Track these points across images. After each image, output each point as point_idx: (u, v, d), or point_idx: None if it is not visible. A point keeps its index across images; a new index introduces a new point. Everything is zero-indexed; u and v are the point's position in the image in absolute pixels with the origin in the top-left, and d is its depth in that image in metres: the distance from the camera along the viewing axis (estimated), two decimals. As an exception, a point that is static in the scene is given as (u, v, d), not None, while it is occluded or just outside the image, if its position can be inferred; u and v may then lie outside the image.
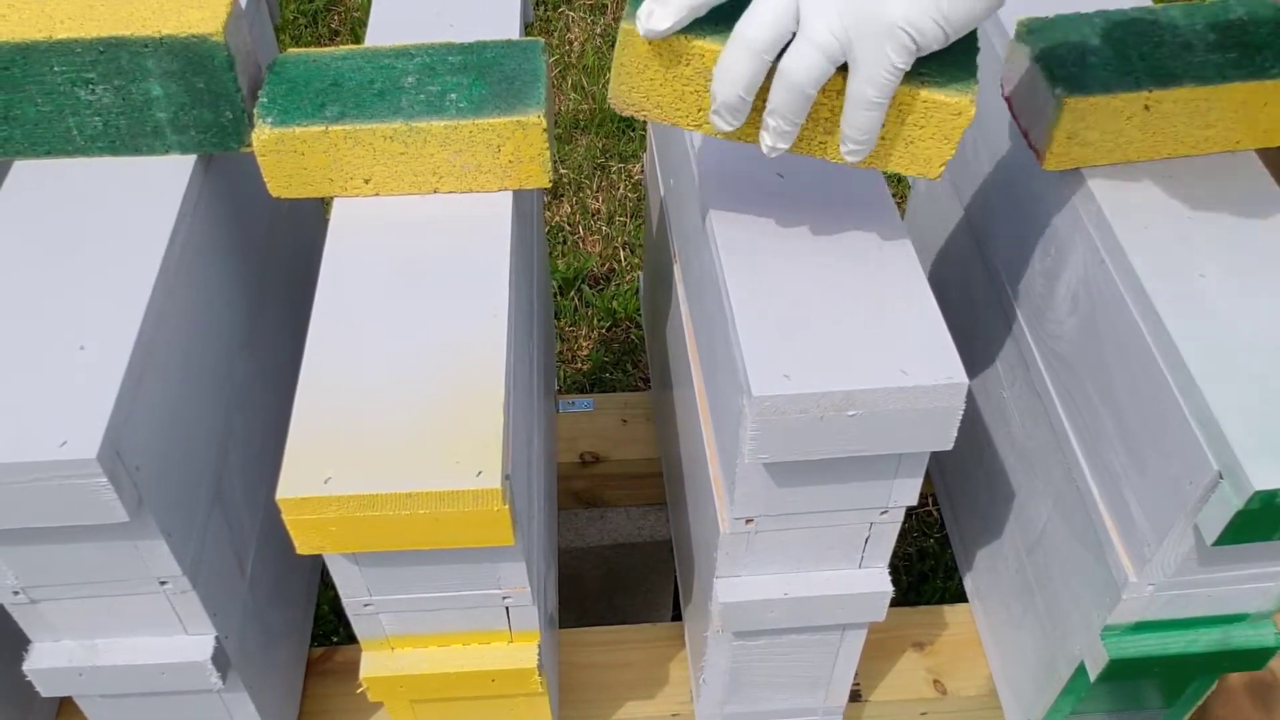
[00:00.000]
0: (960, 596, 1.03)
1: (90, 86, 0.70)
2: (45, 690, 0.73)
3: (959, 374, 0.62)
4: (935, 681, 0.96)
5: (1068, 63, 0.72)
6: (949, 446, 0.65)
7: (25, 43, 0.68)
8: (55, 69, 0.69)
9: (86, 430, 0.58)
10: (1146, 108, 0.71)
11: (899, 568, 1.50)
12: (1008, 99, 0.78)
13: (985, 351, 0.93)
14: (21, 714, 0.87)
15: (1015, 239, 0.86)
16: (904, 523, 0.81)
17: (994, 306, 0.91)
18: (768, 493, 0.69)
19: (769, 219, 0.71)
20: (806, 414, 0.62)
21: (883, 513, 0.71)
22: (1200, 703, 0.86)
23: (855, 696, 0.94)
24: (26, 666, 0.72)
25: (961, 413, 0.63)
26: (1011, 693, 0.92)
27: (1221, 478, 0.61)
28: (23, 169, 0.74)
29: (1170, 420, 0.65)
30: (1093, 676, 0.76)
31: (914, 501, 0.71)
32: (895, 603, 0.79)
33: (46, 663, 0.72)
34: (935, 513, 1.56)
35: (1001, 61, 0.79)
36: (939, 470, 1.08)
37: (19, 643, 0.72)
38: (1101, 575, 0.74)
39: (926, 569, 1.51)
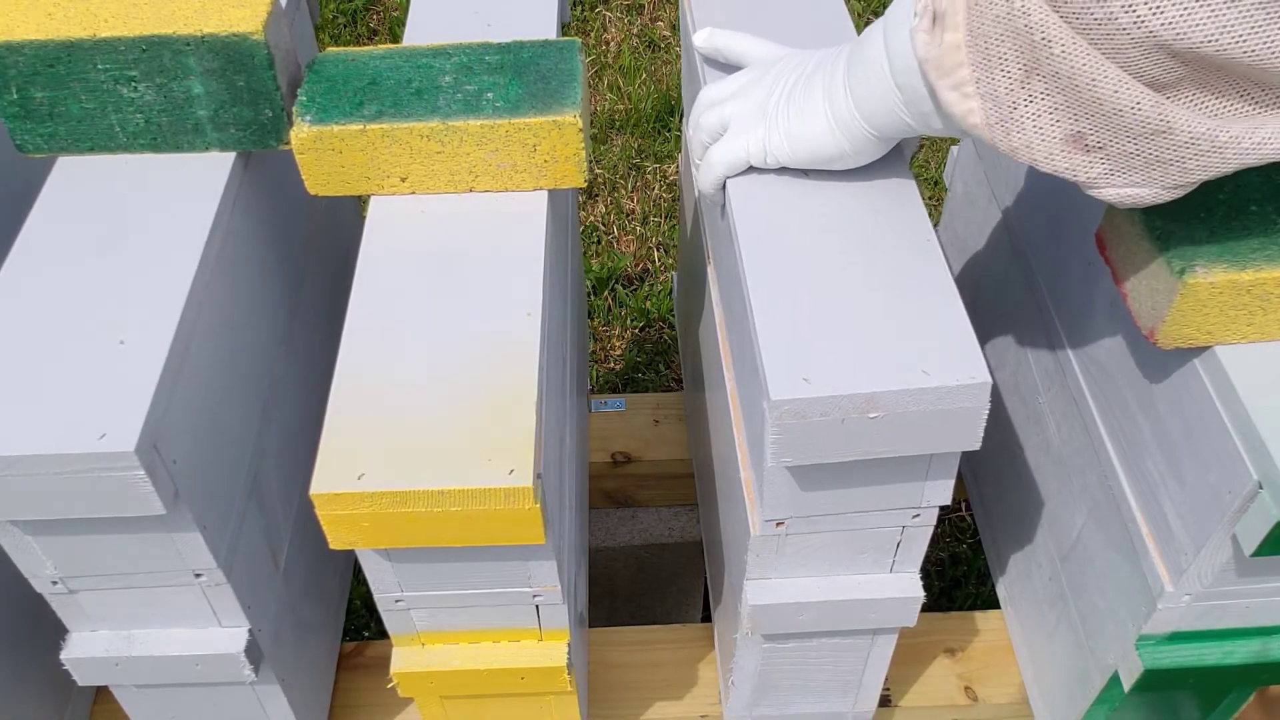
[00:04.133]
0: (993, 603, 1.02)
1: (133, 84, 0.71)
2: (82, 679, 0.74)
3: (982, 373, 0.60)
4: (966, 688, 0.95)
5: None
6: (976, 446, 0.64)
7: (70, 41, 0.69)
8: (99, 67, 0.70)
9: (125, 423, 0.59)
10: None
11: (931, 573, 1.49)
12: (1047, 102, 0.77)
13: (1022, 357, 0.92)
14: (60, 702, 0.88)
15: (1054, 244, 0.85)
16: (936, 528, 0.80)
17: (1031, 311, 0.90)
18: (796, 495, 0.68)
19: (793, 218, 0.70)
20: (827, 417, 0.61)
21: (915, 515, 0.71)
22: (1237, 715, 0.85)
23: (885, 702, 0.94)
24: (64, 656, 0.73)
25: (986, 412, 0.62)
26: (1044, 701, 0.91)
27: (1261, 487, 0.60)
28: (66, 165, 0.75)
29: (1209, 429, 0.64)
30: (1127, 687, 0.76)
31: (947, 502, 0.70)
32: (927, 608, 0.79)
33: (84, 652, 0.73)
34: (968, 518, 1.55)
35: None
36: (972, 475, 1.08)
37: (58, 632, 0.74)
38: (1137, 584, 0.73)
39: (959, 574, 1.50)
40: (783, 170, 0.73)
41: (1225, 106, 0.52)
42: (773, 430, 0.61)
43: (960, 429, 0.62)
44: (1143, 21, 0.48)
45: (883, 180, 0.73)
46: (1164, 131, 0.52)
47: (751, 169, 0.73)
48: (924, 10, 0.56)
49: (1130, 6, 0.48)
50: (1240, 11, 0.47)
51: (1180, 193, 0.56)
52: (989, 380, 0.60)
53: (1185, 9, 0.47)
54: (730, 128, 0.73)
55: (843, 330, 0.63)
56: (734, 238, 0.70)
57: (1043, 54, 0.51)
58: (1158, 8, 0.48)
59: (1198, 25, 0.47)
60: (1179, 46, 0.49)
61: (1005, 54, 0.52)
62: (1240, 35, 0.47)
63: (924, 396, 0.60)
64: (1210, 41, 0.48)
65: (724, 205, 0.75)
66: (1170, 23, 0.48)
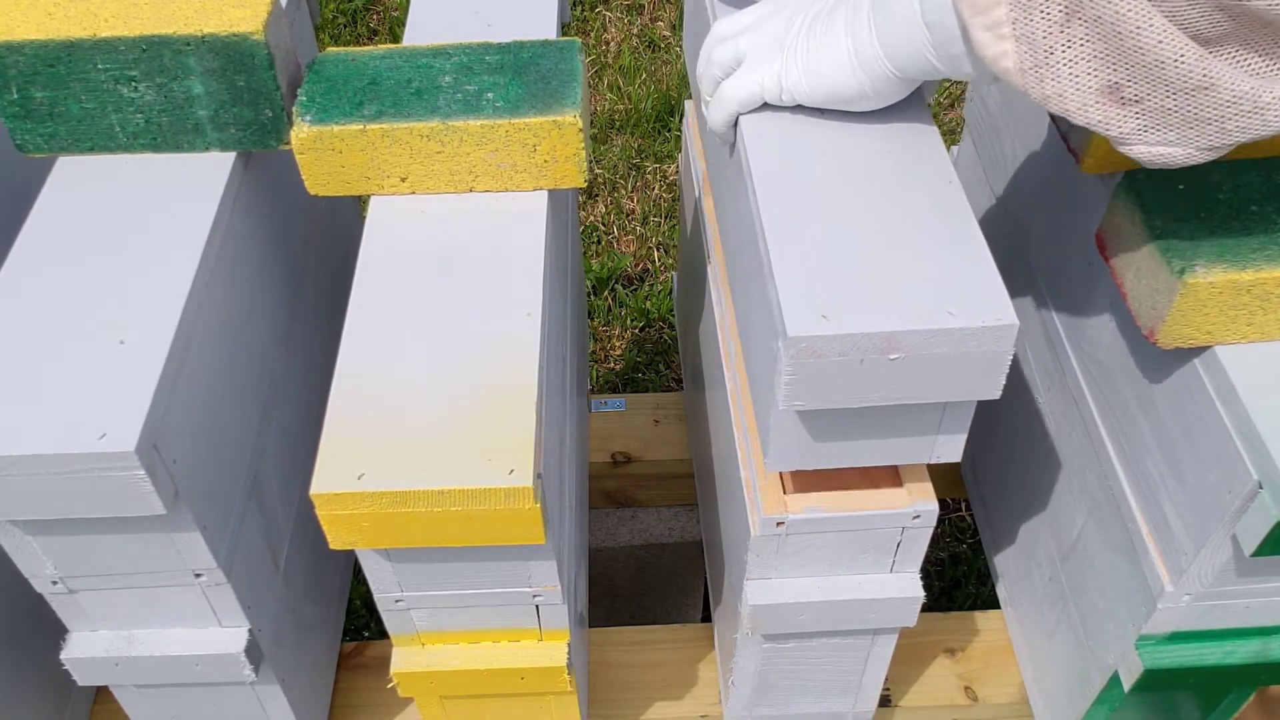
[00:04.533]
0: (993, 603, 1.02)
1: (133, 84, 0.71)
2: (82, 679, 0.74)
3: (1008, 315, 0.58)
4: (966, 688, 0.95)
5: None
6: (997, 395, 0.61)
7: (70, 41, 0.69)
8: (99, 67, 0.70)
9: (125, 423, 0.59)
10: None
11: (931, 573, 1.49)
12: (1047, 102, 0.77)
13: (1022, 356, 0.92)
14: (60, 702, 0.88)
15: (1053, 243, 0.85)
16: (936, 528, 0.80)
17: (1031, 310, 0.90)
18: (805, 446, 0.66)
19: (808, 156, 0.68)
20: (846, 357, 0.58)
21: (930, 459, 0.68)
22: (1237, 715, 0.85)
23: (885, 702, 0.94)
24: (64, 655, 0.73)
25: (1010, 358, 0.60)
26: (1044, 701, 0.91)
27: (1261, 487, 0.60)
28: (66, 165, 0.75)
29: (1209, 429, 0.64)
30: (1127, 687, 0.76)
31: (957, 458, 0.68)
32: (927, 608, 0.79)
33: (84, 652, 0.73)
34: (968, 518, 1.55)
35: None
36: (972, 475, 1.08)
37: (58, 632, 0.74)
38: (1137, 584, 0.73)
39: (959, 574, 1.50)
40: (797, 108, 0.70)
41: (1270, 67, 0.50)
42: (786, 370, 0.59)
43: (982, 375, 0.60)
44: None
45: (902, 123, 0.70)
46: (1206, 88, 0.50)
47: (765, 106, 0.71)
48: None
49: None
50: None
51: (1215, 154, 0.54)
52: (1015, 323, 0.58)
53: None
54: (745, 62, 0.70)
55: (863, 268, 0.61)
56: (747, 175, 0.68)
57: None
58: None
59: None
60: (1229, 0, 0.47)
61: None
62: None
63: (947, 338, 0.58)
64: None
65: (735, 143, 0.73)
66: None
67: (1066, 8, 0.50)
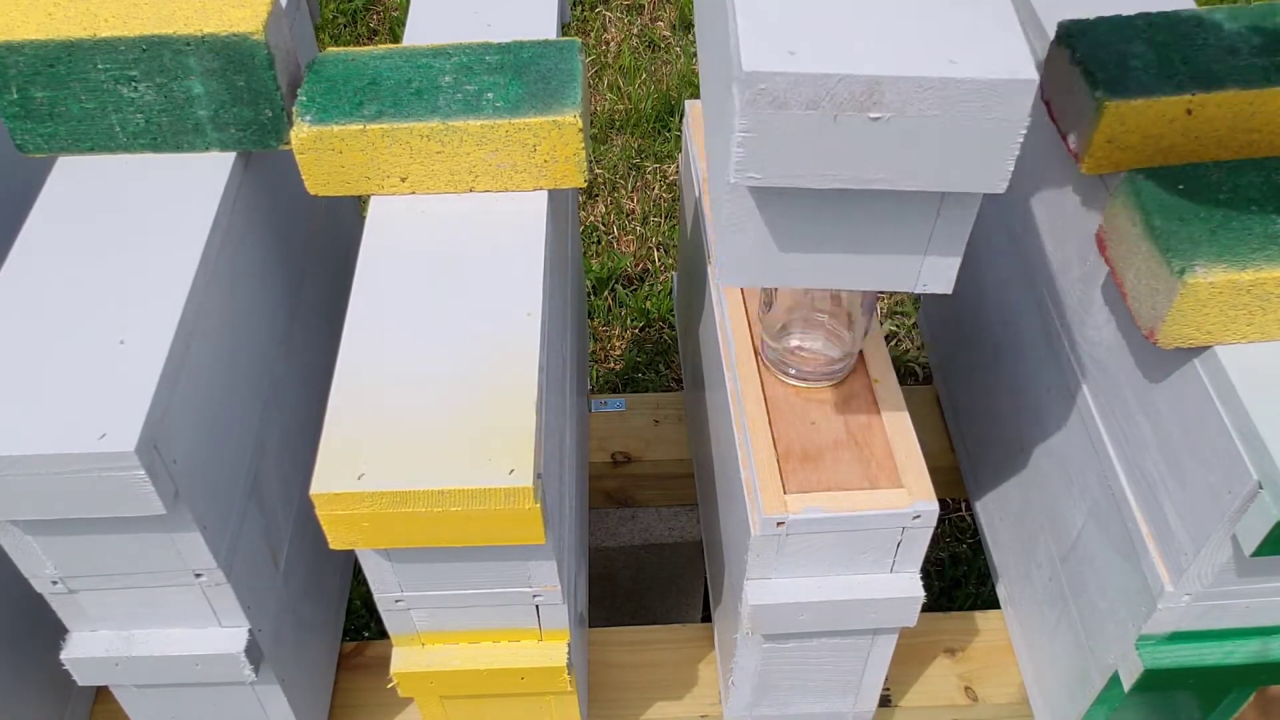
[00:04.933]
0: (993, 603, 1.02)
1: (133, 84, 0.71)
2: (82, 679, 0.74)
3: (1027, 69, 0.46)
4: (966, 688, 0.95)
5: (1109, 65, 0.71)
6: (1002, 187, 0.50)
7: (69, 41, 0.69)
8: (99, 67, 0.70)
9: (125, 423, 0.59)
10: (1189, 112, 0.70)
11: (931, 573, 1.49)
12: (1046, 102, 0.77)
13: (1022, 356, 0.92)
14: (60, 702, 0.88)
15: (1053, 244, 0.85)
16: (936, 528, 0.80)
17: (1031, 310, 0.90)
18: (762, 255, 0.55)
19: None
20: (816, 111, 0.47)
21: (915, 293, 0.58)
22: (1237, 715, 0.85)
23: (885, 701, 0.94)
24: (64, 655, 0.73)
25: (1024, 129, 0.48)
26: (1044, 701, 0.91)
27: (1261, 488, 0.60)
28: (66, 165, 0.75)
29: (1209, 429, 0.64)
30: (1127, 686, 0.76)
31: (948, 289, 0.56)
32: (927, 608, 0.79)
33: (84, 652, 0.73)
34: (968, 517, 1.55)
35: (1040, 65, 0.79)
36: (972, 475, 1.08)
37: (58, 632, 0.74)
38: (1137, 584, 0.73)
39: (959, 574, 1.50)
40: None
41: None
42: (741, 123, 0.48)
43: (987, 151, 0.49)
44: None
45: None
46: None
47: None
48: None
49: None
50: None
51: None
52: (1034, 78, 0.47)
53: None
54: None
55: (843, 10, 0.50)
56: None
57: None
58: None
59: None
60: None
61: None
62: None
63: (946, 93, 0.47)
64: None
65: None
66: None
67: None
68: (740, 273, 0.56)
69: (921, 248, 0.55)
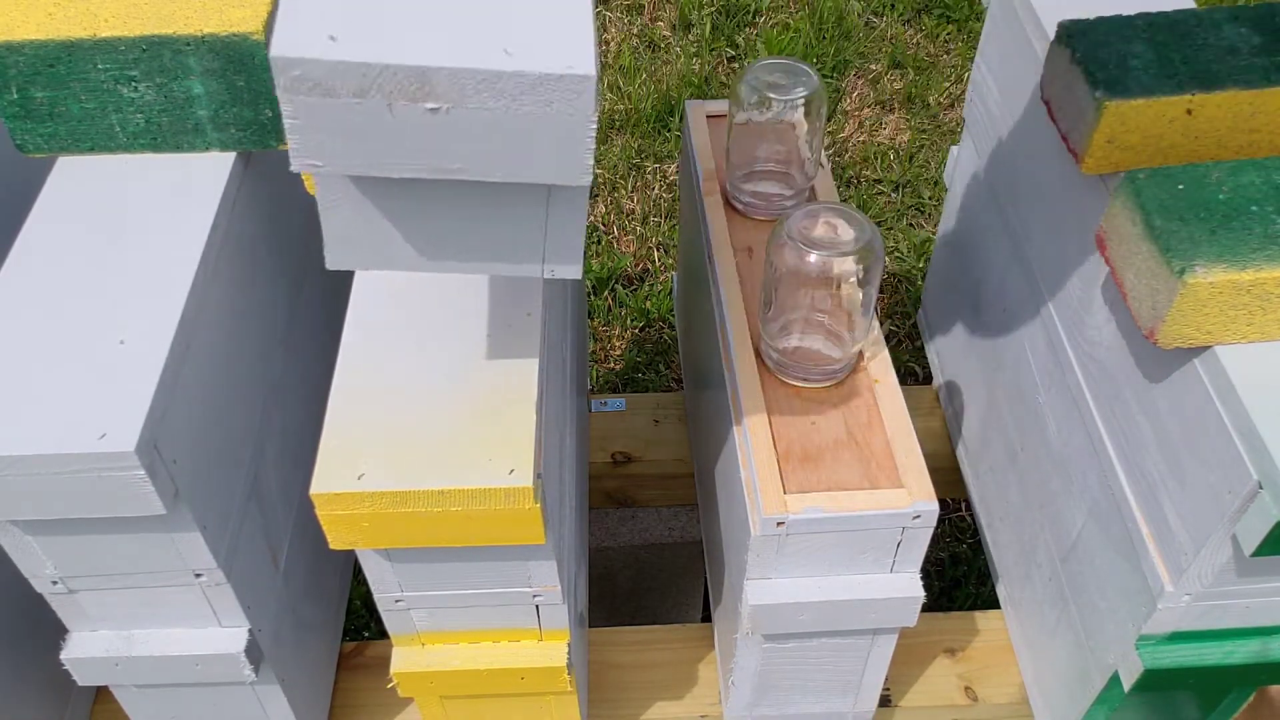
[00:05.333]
0: (993, 603, 1.02)
1: (133, 84, 0.71)
2: (82, 679, 0.74)
3: (586, 63, 0.45)
4: (966, 688, 0.95)
5: (1109, 65, 0.71)
6: (582, 180, 0.48)
7: (70, 41, 0.69)
8: (99, 67, 0.70)
9: (125, 423, 0.59)
10: (1189, 112, 0.70)
11: (931, 573, 1.49)
12: (1046, 101, 0.77)
13: (1022, 356, 0.92)
14: (60, 702, 0.88)
15: (1053, 243, 0.85)
16: (936, 528, 0.80)
17: (1031, 310, 0.90)
18: (370, 236, 0.52)
19: None
20: (367, 100, 0.45)
21: (546, 272, 0.54)
22: (1237, 715, 0.85)
23: (885, 702, 0.94)
24: (64, 655, 0.73)
25: (593, 126, 0.46)
26: (1044, 701, 0.91)
27: (1261, 488, 0.60)
28: (66, 165, 0.75)
29: (1209, 429, 0.64)
30: (1127, 687, 0.76)
31: (577, 274, 0.54)
32: (927, 608, 0.79)
33: (84, 652, 0.73)
34: (968, 517, 1.55)
35: (1041, 64, 0.79)
36: (973, 475, 1.08)
37: (58, 632, 0.74)
38: (1137, 584, 0.73)
39: (959, 575, 1.50)
40: None
41: None
42: (286, 109, 0.45)
43: (560, 145, 0.47)
44: None
45: None
46: None
47: None
48: None
49: None
50: None
51: None
52: (591, 74, 0.45)
53: None
54: None
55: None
56: None
57: None
58: None
59: None
60: None
61: None
62: None
63: (500, 86, 0.45)
64: None
65: None
66: None
67: None
68: (349, 254, 0.53)
69: (540, 232, 0.53)
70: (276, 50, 0.43)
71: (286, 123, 0.46)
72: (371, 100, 0.45)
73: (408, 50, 0.44)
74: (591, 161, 0.47)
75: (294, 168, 0.48)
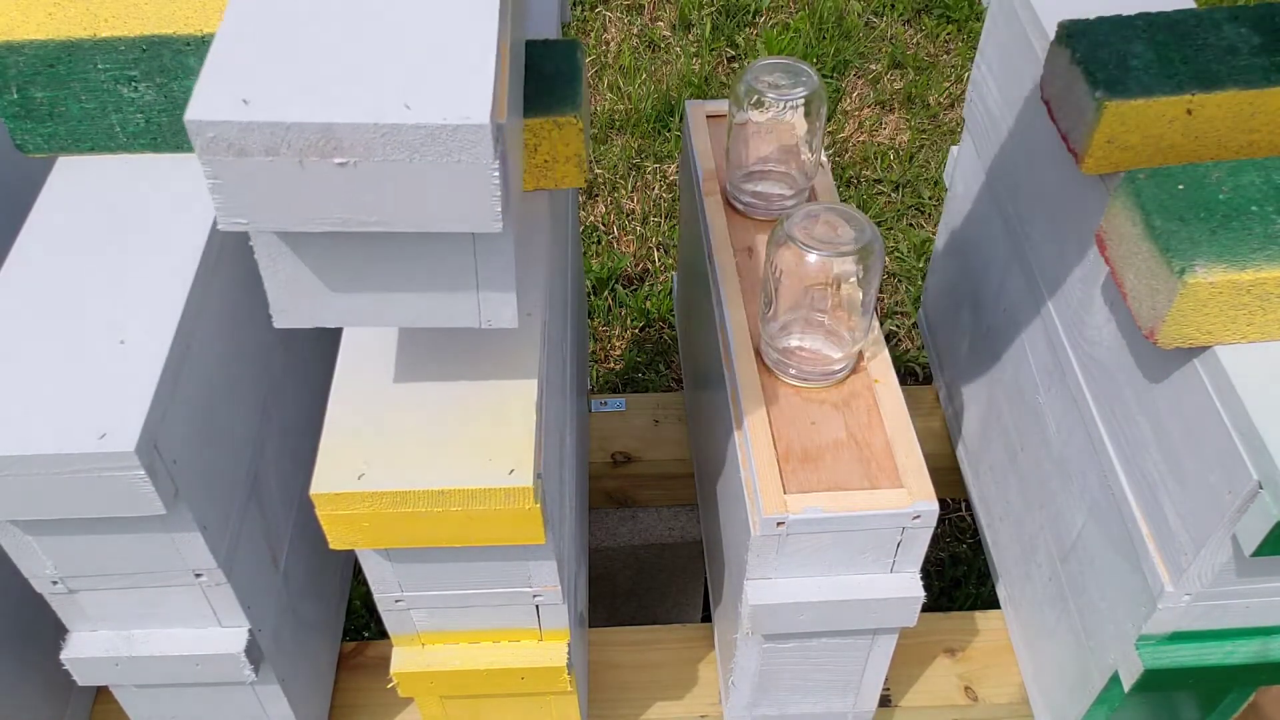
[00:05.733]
0: (993, 603, 1.02)
1: (133, 84, 0.71)
2: (82, 679, 0.74)
3: (480, 112, 0.46)
4: (966, 688, 0.95)
5: (1109, 65, 0.71)
6: (492, 227, 0.49)
7: (70, 41, 0.69)
8: (99, 67, 0.70)
9: (125, 423, 0.59)
10: (1189, 112, 0.70)
11: (931, 573, 1.49)
12: (1046, 101, 0.77)
13: (1022, 356, 0.92)
14: (60, 702, 0.88)
15: (1053, 243, 0.85)
16: (936, 528, 0.80)
17: (1031, 310, 0.90)
18: (313, 294, 0.54)
19: None
20: (279, 158, 0.46)
21: (484, 325, 0.56)
22: (1237, 715, 0.85)
23: (885, 701, 0.94)
24: (64, 655, 0.73)
25: (495, 175, 0.47)
26: (1044, 701, 0.91)
27: (1261, 488, 0.60)
28: (66, 165, 0.75)
29: (1209, 429, 0.64)
30: (1127, 686, 0.76)
31: (513, 324, 0.56)
32: (927, 608, 0.79)
33: (84, 652, 0.73)
34: (968, 517, 1.55)
35: (1041, 64, 0.79)
36: (973, 474, 1.08)
37: (58, 632, 0.74)
38: (1137, 584, 0.73)
39: (959, 575, 1.50)
40: None
41: None
42: (206, 170, 0.47)
43: (468, 193, 0.48)
44: None
45: None
46: None
47: None
48: None
49: None
50: None
51: None
52: (484, 123, 0.46)
53: None
54: None
55: (319, 52, 0.49)
56: None
57: None
58: None
59: None
60: None
61: None
62: None
63: (401, 138, 0.46)
64: None
65: None
66: None
67: None
68: (292, 312, 0.55)
69: (471, 284, 0.54)
70: (190, 115, 0.45)
71: (208, 183, 0.48)
72: (283, 158, 0.46)
73: (313, 107, 0.45)
74: (500, 209, 0.48)
75: (221, 227, 0.49)
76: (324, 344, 0.83)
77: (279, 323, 0.55)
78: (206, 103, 0.46)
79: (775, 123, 0.87)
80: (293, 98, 0.46)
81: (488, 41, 0.49)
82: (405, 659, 0.75)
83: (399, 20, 0.50)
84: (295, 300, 0.54)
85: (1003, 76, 0.95)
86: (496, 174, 0.47)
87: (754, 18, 2.30)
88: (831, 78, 2.14)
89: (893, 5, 2.30)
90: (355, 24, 0.50)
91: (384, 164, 0.47)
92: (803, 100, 0.85)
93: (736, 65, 2.20)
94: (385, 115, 0.45)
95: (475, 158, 0.46)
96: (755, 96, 0.85)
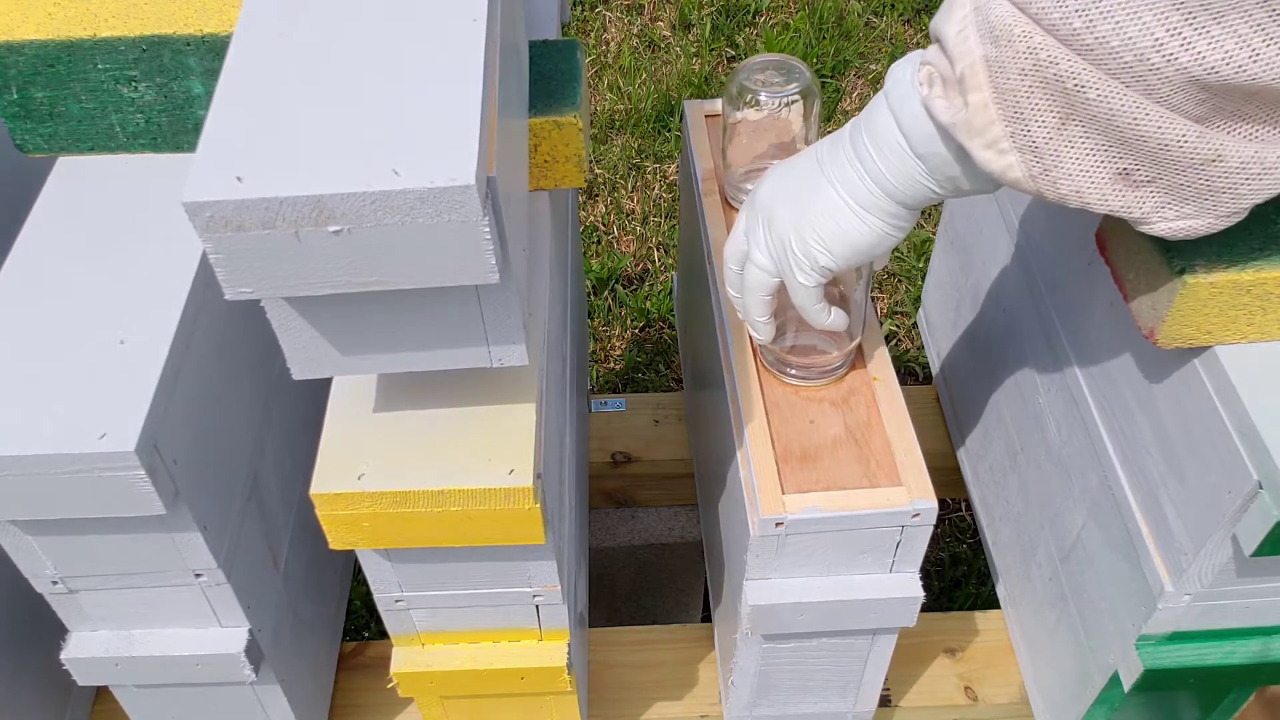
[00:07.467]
0: (993, 603, 1.02)
1: (133, 84, 0.71)
2: (82, 679, 0.74)
3: (464, 173, 0.47)
4: (966, 688, 0.95)
5: None
6: (489, 279, 0.51)
7: (70, 41, 0.69)
8: (99, 67, 0.70)
9: (125, 423, 0.59)
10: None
11: (931, 572, 1.49)
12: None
13: (1022, 356, 0.92)
14: (60, 702, 0.88)
15: (1054, 243, 0.85)
16: (936, 527, 0.80)
17: (1031, 310, 0.90)
18: (326, 349, 0.57)
19: (311, 6, 0.57)
20: (275, 231, 0.48)
21: (495, 361, 0.58)
22: (1237, 715, 0.85)
23: (885, 702, 0.94)
24: (64, 655, 0.73)
25: (487, 231, 0.49)
26: (1044, 701, 0.91)
27: (1261, 488, 0.60)
28: (66, 165, 0.75)
29: (1209, 429, 0.64)
30: (1127, 687, 0.76)
31: (523, 360, 0.58)
32: (927, 608, 0.79)
33: (84, 652, 0.73)
34: (968, 517, 1.55)
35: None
36: (973, 475, 1.08)
37: (58, 632, 0.74)
38: (1137, 584, 0.73)
39: (959, 574, 1.50)
40: None
41: (1265, 132, 0.51)
42: (209, 247, 0.49)
43: (462, 249, 0.49)
44: (1173, 58, 0.48)
45: None
46: (1214, 160, 0.52)
47: None
48: (930, 78, 0.56)
49: (1159, 44, 0.48)
50: (1266, 38, 0.47)
51: (1234, 220, 0.55)
52: (470, 183, 0.47)
53: (1213, 41, 0.47)
54: (749, 253, 0.70)
55: (309, 122, 0.50)
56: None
57: (1077, 100, 0.51)
58: (1187, 41, 0.47)
59: (1227, 57, 0.47)
60: (1210, 80, 0.48)
61: (1038, 104, 0.52)
62: (1270, 61, 0.47)
63: (391, 204, 0.47)
64: (1241, 72, 0.48)
65: None
66: (1200, 57, 0.48)
67: (1061, 113, 0.52)
68: (308, 365, 0.57)
69: (479, 331, 0.57)
70: (186, 196, 0.47)
71: (211, 258, 0.49)
72: (280, 230, 0.48)
73: (304, 180, 0.47)
74: (494, 262, 0.49)
75: (228, 297, 0.51)
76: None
77: (297, 375, 0.58)
78: (202, 183, 0.47)
79: (769, 120, 0.86)
80: (284, 172, 0.48)
81: (472, 99, 0.50)
82: (405, 659, 0.75)
83: (386, 84, 0.52)
84: (310, 355, 0.57)
85: (1003, 76, 0.94)
86: (488, 229, 0.48)
87: (754, 18, 2.30)
88: (831, 78, 2.14)
89: (893, 5, 2.30)
90: (343, 91, 0.52)
91: (377, 228, 0.48)
92: (795, 96, 0.85)
93: (736, 65, 2.20)
94: (374, 183, 0.47)
95: (465, 216, 0.48)
96: (748, 95, 0.85)
